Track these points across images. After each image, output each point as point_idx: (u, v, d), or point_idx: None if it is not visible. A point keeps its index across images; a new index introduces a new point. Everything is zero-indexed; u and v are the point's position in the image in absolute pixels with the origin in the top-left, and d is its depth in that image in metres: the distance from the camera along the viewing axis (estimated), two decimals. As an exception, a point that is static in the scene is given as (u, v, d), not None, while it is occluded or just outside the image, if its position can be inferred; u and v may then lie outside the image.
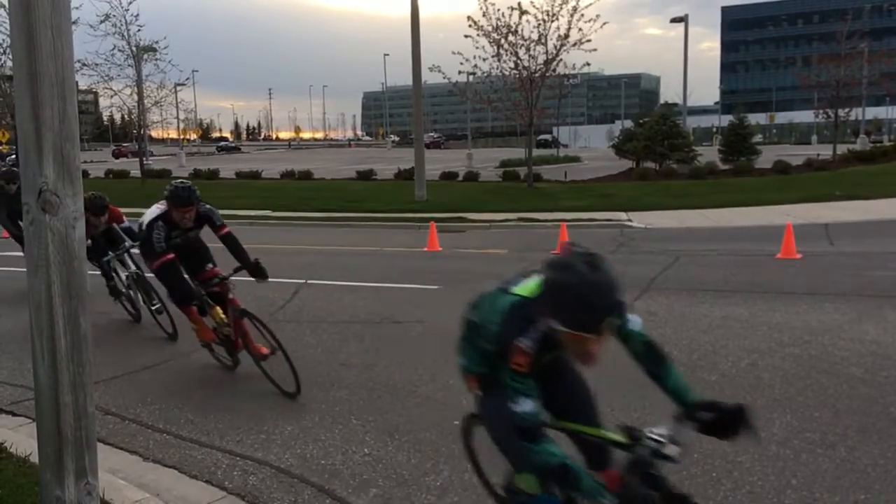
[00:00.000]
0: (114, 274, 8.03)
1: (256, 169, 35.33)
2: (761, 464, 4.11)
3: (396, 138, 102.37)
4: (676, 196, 20.82)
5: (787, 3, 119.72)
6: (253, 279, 5.75)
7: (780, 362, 5.90)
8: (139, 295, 7.84)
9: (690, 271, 10.28)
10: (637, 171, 29.46)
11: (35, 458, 3.43)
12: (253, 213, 20.73)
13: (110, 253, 7.85)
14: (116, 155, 72.53)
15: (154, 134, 78.78)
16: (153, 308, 7.53)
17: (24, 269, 2.73)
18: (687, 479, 3.94)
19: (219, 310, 5.84)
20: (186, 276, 6.00)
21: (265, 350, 5.63)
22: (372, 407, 5.22)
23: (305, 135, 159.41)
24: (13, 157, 41.91)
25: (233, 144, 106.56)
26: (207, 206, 5.93)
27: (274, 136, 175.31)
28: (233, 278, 5.87)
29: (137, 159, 37.46)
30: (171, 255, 5.68)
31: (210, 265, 6.18)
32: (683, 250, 12.14)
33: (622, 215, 17.84)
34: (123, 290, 8.06)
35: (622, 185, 25.87)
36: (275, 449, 4.55)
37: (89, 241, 7.68)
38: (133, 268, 7.85)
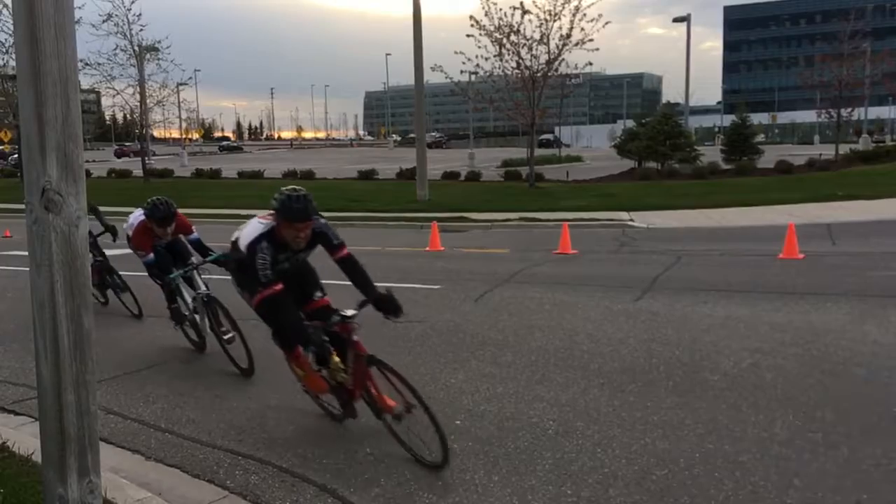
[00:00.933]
0: (178, 296, 6.75)
1: (258, 168, 35.40)
2: (764, 463, 4.10)
3: (399, 138, 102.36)
4: (678, 196, 20.82)
5: (789, 3, 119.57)
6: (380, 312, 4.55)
7: (783, 362, 5.89)
8: (206, 320, 6.51)
9: (692, 271, 10.28)
10: (639, 171, 29.49)
11: (37, 457, 3.44)
12: (256, 212, 20.70)
13: (174, 270, 6.64)
14: (119, 154, 72.63)
15: (156, 133, 78.87)
16: (225, 337, 6.25)
17: (27, 268, 2.73)
18: (689, 479, 3.95)
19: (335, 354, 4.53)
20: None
21: (394, 404, 4.32)
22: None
23: (307, 134, 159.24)
24: (15, 156, 42.03)
25: (235, 144, 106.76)
26: (323, 220, 4.64)
27: (276, 136, 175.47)
28: (340, 310, 4.53)
29: (140, 159, 37.55)
30: (280, 287, 4.39)
31: (318, 293, 4.99)
32: (685, 250, 12.14)
33: (624, 215, 17.84)
34: (188, 315, 6.71)
35: (624, 184, 25.88)
36: (277, 448, 4.55)
37: (151, 255, 6.62)
38: (203, 288, 6.48)
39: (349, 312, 4.39)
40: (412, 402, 4.21)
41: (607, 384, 5.49)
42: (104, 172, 37.43)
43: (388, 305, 4.43)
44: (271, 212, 4.50)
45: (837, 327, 6.87)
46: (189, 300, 6.67)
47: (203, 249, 6.70)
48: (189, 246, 6.96)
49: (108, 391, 5.60)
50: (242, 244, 4.55)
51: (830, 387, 5.31)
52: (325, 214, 17.53)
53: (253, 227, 4.59)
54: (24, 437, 4.39)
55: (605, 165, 34.88)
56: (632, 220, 17.16)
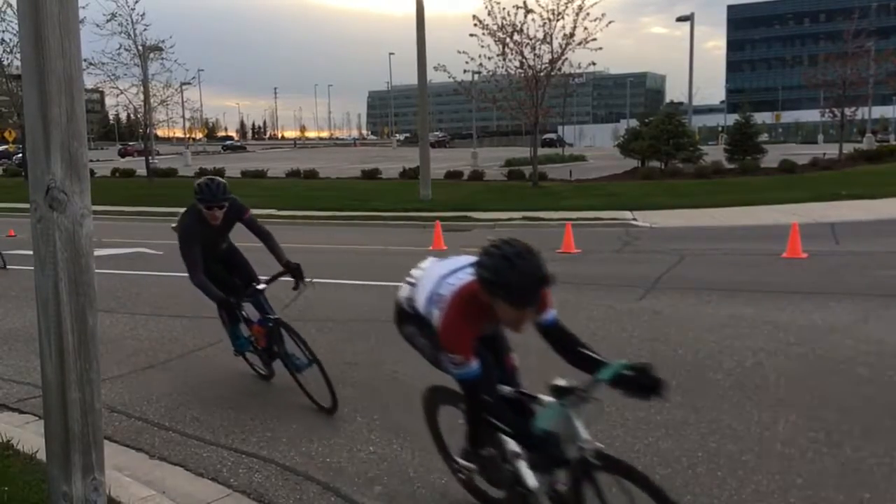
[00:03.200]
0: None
1: (262, 168, 35.44)
2: (767, 463, 4.10)
3: (402, 137, 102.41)
4: (682, 195, 20.80)
5: (793, 2, 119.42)
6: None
7: (786, 362, 5.89)
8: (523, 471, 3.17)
9: (696, 271, 10.26)
10: (642, 171, 29.45)
11: (41, 456, 3.45)
12: (259, 211, 20.74)
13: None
14: (122, 154, 72.98)
15: (160, 133, 78.96)
16: None
17: (32, 267, 2.74)
18: (692, 479, 3.95)
19: None
20: None
21: None
22: (377, 405, 5.23)
23: (311, 134, 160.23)
24: (20, 156, 42.14)
25: (238, 143, 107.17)
26: None
27: (279, 136, 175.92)
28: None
29: (143, 158, 37.62)
30: None
31: None
32: (689, 249, 12.12)
33: (627, 214, 17.82)
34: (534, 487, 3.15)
35: (627, 184, 25.85)
36: (280, 447, 4.56)
37: (475, 364, 2.91)
38: (583, 434, 2.90)
39: None
40: None
41: (610, 383, 5.49)
42: (108, 172, 37.49)
43: None
44: None
45: (841, 327, 6.86)
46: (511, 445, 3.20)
47: (575, 349, 3.09)
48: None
49: (112, 389, 5.61)
50: None
51: (833, 386, 5.31)
52: (329, 214, 17.54)
53: None
54: (29, 436, 4.40)
55: (609, 165, 34.84)
56: (635, 219, 17.14)
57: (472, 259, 2.97)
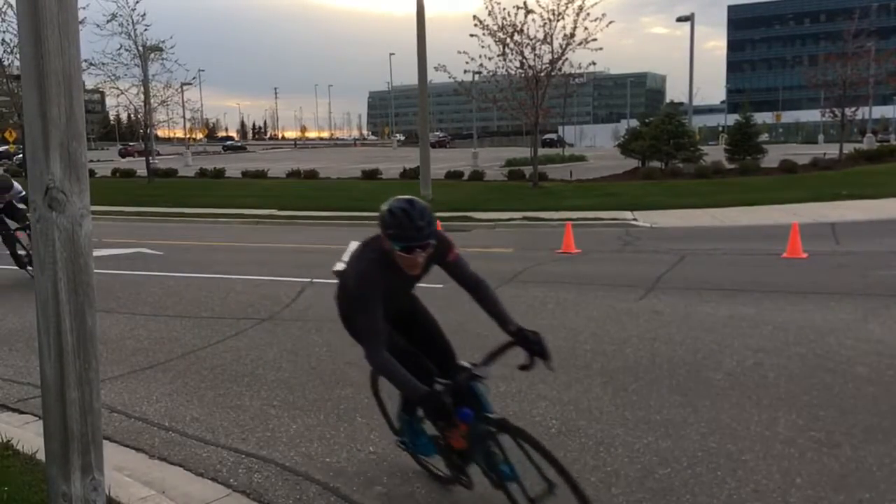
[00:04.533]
0: None
1: (262, 168, 35.46)
2: (766, 463, 4.10)
3: (402, 137, 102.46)
4: (682, 195, 20.79)
5: (793, 2, 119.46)
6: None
7: (786, 361, 5.89)
8: None
9: (696, 270, 10.26)
10: (642, 171, 29.43)
11: (41, 456, 3.45)
12: (259, 211, 20.78)
13: None
14: (123, 154, 73.12)
15: (160, 133, 79.13)
16: None
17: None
18: (692, 479, 3.94)
19: None
20: None
21: None
22: (377, 405, 5.22)
23: (311, 134, 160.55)
24: (20, 156, 42.14)
25: (239, 144, 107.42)
26: None
27: (280, 136, 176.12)
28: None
29: (144, 158, 37.63)
30: None
31: None
32: (689, 249, 12.12)
33: (628, 214, 17.81)
34: None
35: (627, 184, 25.84)
36: (280, 447, 4.56)
37: None
38: None
39: None
40: None
41: (610, 383, 5.49)
42: (108, 172, 37.54)
43: None
44: None
45: (841, 326, 6.85)
46: None
47: None
48: None
49: (111, 389, 5.61)
50: None
51: (833, 386, 5.30)
52: (329, 214, 17.58)
53: None
54: (29, 436, 4.40)
55: (609, 165, 34.83)
56: (635, 219, 17.14)
57: None
